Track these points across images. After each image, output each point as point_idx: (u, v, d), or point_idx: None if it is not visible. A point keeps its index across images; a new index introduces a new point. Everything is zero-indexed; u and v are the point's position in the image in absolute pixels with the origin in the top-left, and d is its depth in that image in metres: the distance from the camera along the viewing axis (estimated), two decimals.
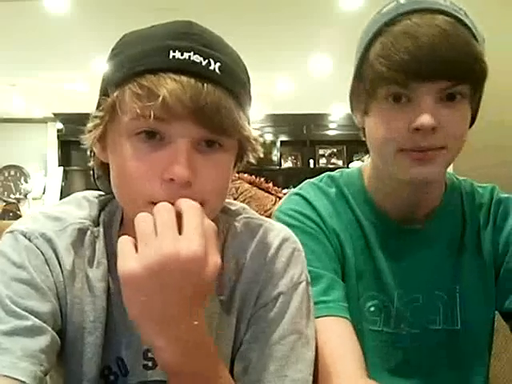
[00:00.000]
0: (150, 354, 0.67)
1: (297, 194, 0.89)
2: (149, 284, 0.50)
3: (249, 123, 0.64)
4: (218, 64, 0.59)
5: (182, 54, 0.58)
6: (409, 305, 0.84)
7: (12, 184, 6.84)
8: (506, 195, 0.91)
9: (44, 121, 6.76)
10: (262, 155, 0.66)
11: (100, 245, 0.68)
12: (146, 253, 0.50)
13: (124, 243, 0.53)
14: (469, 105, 0.77)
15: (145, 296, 0.51)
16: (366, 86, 0.78)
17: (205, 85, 0.57)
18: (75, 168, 6.67)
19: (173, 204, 0.55)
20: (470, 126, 0.82)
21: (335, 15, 3.54)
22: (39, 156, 6.83)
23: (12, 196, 6.76)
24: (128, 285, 0.51)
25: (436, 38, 0.70)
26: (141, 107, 0.56)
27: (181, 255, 0.50)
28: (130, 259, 0.51)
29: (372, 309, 0.84)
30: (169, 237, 0.51)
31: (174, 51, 0.58)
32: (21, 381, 0.53)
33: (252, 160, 0.68)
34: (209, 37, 0.62)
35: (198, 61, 0.58)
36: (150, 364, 0.67)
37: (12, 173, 6.88)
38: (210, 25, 0.64)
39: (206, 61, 0.59)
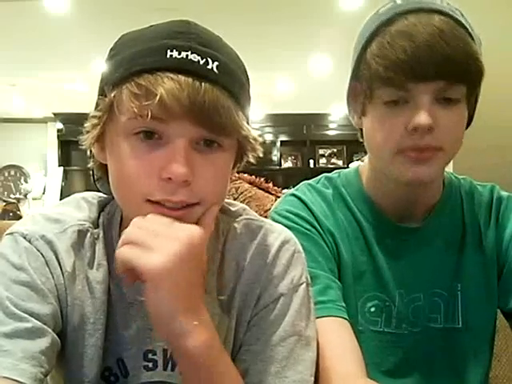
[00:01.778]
0: (150, 355, 0.67)
1: (292, 194, 0.89)
2: (180, 271, 0.54)
3: (248, 123, 0.63)
4: (215, 63, 0.59)
5: (179, 53, 0.58)
6: (410, 304, 0.84)
7: (12, 184, 6.84)
8: (506, 193, 0.91)
9: (44, 121, 6.76)
10: (261, 155, 0.66)
11: (100, 246, 0.68)
12: (165, 244, 0.54)
13: (125, 249, 0.55)
14: (465, 106, 0.77)
15: (178, 284, 0.54)
16: (363, 86, 0.78)
17: (202, 84, 0.57)
18: (75, 168, 6.66)
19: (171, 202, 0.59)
20: (467, 126, 0.82)
21: (335, 15, 3.54)
22: (39, 156, 6.83)
23: (12, 196, 6.76)
24: (163, 278, 0.53)
25: (433, 37, 0.70)
26: (138, 107, 0.56)
27: (193, 237, 0.55)
28: (150, 256, 0.53)
29: (373, 309, 0.84)
30: (176, 227, 0.56)
31: (172, 50, 0.58)
32: (21, 382, 0.53)
33: (252, 160, 0.68)
34: (206, 36, 0.62)
35: (196, 60, 0.58)
36: (150, 365, 0.67)
37: (12, 173, 6.88)
38: (209, 25, 0.63)
39: (204, 60, 0.58)
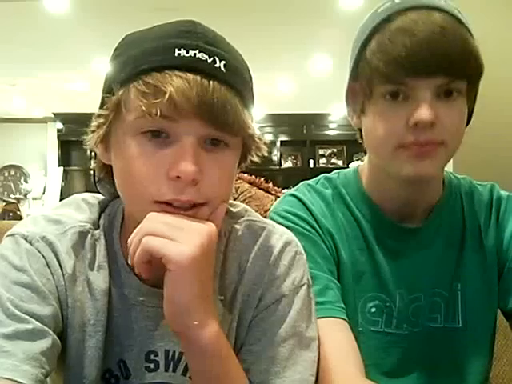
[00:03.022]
0: (152, 356, 0.67)
1: (292, 195, 0.89)
2: (203, 261, 0.56)
3: (252, 121, 0.64)
4: (223, 62, 0.59)
5: (187, 52, 0.58)
6: (410, 304, 0.84)
7: (12, 184, 6.85)
8: (506, 193, 0.91)
9: (44, 121, 6.77)
10: (266, 154, 0.67)
11: (101, 248, 0.68)
12: (190, 236, 0.56)
13: (152, 239, 0.55)
14: (465, 101, 0.77)
15: (200, 274, 0.56)
16: (362, 84, 0.78)
17: (211, 82, 0.57)
18: (75, 168, 6.67)
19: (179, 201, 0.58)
20: (467, 124, 0.82)
21: (335, 15, 3.54)
22: (39, 156, 6.84)
23: (12, 196, 6.77)
24: (190, 268, 0.55)
25: (433, 33, 0.70)
26: (147, 105, 0.56)
27: (212, 232, 0.58)
28: (178, 246, 0.55)
29: (373, 310, 0.84)
30: (195, 222, 0.57)
31: (180, 49, 0.58)
32: (22, 383, 0.53)
33: (256, 159, 0.68)
34: (212, 35, 0.62)
35: (204, 58, 0.58)
36: (152, 366, 0.67)
37: (12, 173, 6.89)
38: (209, 25, 0.63)
39: (212, 59, 0.59)
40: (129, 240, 0.58)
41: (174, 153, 0.58)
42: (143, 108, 0.56)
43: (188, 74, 0.57)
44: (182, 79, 0.56)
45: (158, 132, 0.58)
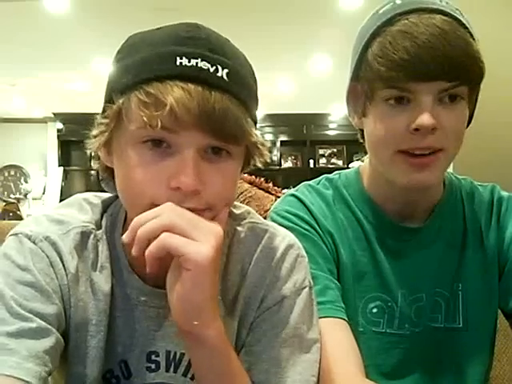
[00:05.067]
0: (153, 357, 0.67)
1: (292, 195, 0.89)
2: (217, 262, 0.57)
3: (256, 126, 0.63)
4: (225, 70, 0.58)
5: (189, 61, 0.57)
6: (413, 304, 0.84)
7: (12, 184, 6.85)
8: (506, 194, 0.91)
9: (44, 121, 6.77)
10: (268, 160, 0.66)
11: (103, 248, 0.68)
12: (206, 236, 0.55)
13: (170, 236, 0.54)
14: (466, 105, 0.77)
15: (214, 274, 0.56)
16: (364, 87, 0.78)
17: (212, 92, 0.56)
18: (75, 168, 6.67)
19: None
20: (467, 125, 0.82)
21: (335, 15, 3.54)
22: (39, 156, 6.84)
23: (12, 196, 6.77)
24: (208, 268, 0.55)
25: (435, 37, 0.70)
26: (148, 116, 0.55)
27: (221, 233, 0.57)
28: (197, 246, 0.54)
29: (375, 310, 0.84)
30: (206, 221, 0.57)
31: (181, 58, 0.57)
32: (26, 381, 0.53)
33: (259, 164, 0.67)
34: (216, 41, 0.61)
35: (206, 67, 0.57)
36: (153, 366, 0.67)
37: (12, 173, 6.88)
38: (209, 25, 0.63)
39: (214, 67, 0.58)
40: (134, 221, 0.56)
41: (175, 164, 0.57)
42: (144, 119, 0.55)
43: (189, 85, 0.56)
44: (182, 90, 0.55)
45: (159, 141, 0.58)
